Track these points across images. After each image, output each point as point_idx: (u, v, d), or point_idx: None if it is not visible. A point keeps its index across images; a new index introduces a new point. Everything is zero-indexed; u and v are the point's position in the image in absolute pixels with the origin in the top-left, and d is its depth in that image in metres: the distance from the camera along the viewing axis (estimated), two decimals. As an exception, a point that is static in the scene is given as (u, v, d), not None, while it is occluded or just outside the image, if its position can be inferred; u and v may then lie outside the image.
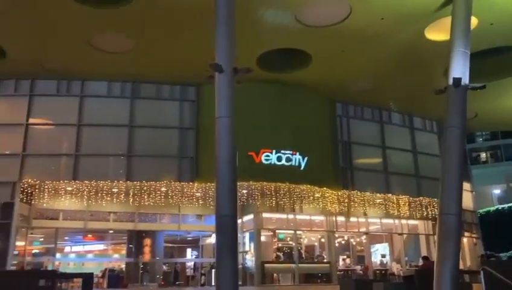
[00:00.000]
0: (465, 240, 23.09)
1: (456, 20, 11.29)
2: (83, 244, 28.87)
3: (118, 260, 25.58)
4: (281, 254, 21.08)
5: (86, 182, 17.03)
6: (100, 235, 25.70)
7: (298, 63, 16.74)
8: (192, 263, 25.74)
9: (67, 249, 29.58)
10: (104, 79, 17.82)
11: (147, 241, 21.36)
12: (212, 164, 17.31)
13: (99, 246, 28.63)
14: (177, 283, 22.19)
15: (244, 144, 14.77)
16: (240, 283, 16.72)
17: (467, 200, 22.63)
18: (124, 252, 25.44)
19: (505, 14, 13.49)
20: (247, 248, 20.52)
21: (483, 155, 48.70)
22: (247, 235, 20.71)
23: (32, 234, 19.24)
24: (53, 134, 17.54)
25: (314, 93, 18.96)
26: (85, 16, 13.36)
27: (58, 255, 23.03)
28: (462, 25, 11.20)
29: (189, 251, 28.81)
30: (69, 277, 14.17)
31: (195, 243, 27.06)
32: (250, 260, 20.06)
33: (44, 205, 18.21)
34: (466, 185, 21.60)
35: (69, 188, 17.75)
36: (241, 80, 10.34)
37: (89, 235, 25.69)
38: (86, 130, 17.48)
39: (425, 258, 14.39)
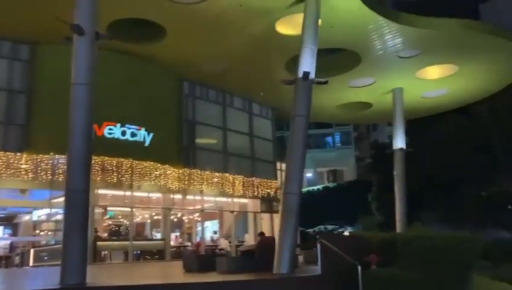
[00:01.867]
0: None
1: (307, 19, 12.38)
2: None
3: None
4: (110, 232, 20.42)
5: None
6: None
7: (152, 36, 16.27)
8: (8, 242, 23.02)
9: None
10: None
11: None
12: (46, 133, 15.93)
13: None
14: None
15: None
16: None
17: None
18: None
19: (343, 20, 15.31)
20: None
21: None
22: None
23: None
24: None
25: (164, 69, 18.72)
26: None
27: None
28: (312, 24, 12.35)
29: (0, 228, 25.61)
30: None
31: (9, 221, 24.23)
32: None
33: None
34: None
35: None
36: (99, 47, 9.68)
37: None
38: None
39: (261, 233, 15.58)
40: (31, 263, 19.65)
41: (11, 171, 16.87)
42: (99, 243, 18.64)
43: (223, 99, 22.49)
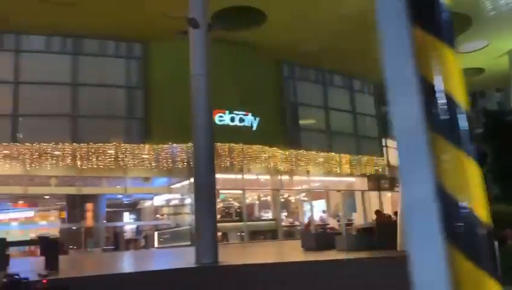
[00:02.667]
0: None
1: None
2: (8, 212, 26.91)
3: (55, 226, 24.26)
4: (224, 214, 21.43)
5: (27, 144, 15.81)
6: (33, 201, 24.12)
7: (252, 22, 16.55)
8: (134, 226, 25.30)
9: (-8, 217, 27.37)
10: (42, 33, 16.36)
11: (89, 205, 20.48)
12: (164, 124, 17.05)
13: (28, 213, 26.90)
14: (117, 247, 21.71)
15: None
16: (189, 243, 16.88)
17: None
18: (52, 218, 24.23)
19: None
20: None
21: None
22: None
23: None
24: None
25: (263, 54, 18.97)
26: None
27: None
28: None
29: (126, 214, 28.15)
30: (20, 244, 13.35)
31: (133, 207, 26.54)
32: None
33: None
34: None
35: (6, 151, 16.39)
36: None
37: (21, 202, 24.00)
38: (24, 89, 16.08)
39: (378, 211, 15.36)
40: (155, 245, 21.38)
41: (136, 162, 18.46)
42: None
43: (323, 78, 22.28)
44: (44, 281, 6.61)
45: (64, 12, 14.98)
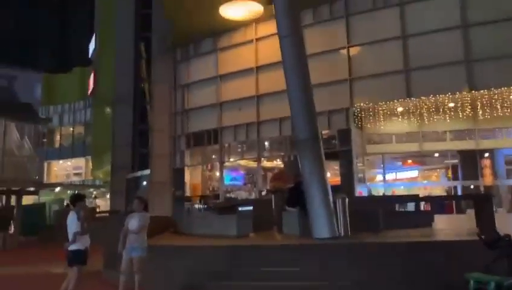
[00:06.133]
0: None
1: None
2: (397, 171, 27.74)
3: (446, 184, 23.21)
4: None
5: (423, 98, 15.20)
6: (421, 160, 23.88)
7: None
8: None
9: (378, 177, 28.89)
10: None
11: (486, 161, 18.38)
12: None
13: (412, 173, 27.01)
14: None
15: None
16: None
17: None
18: (434, 178, 23.12)
19: None
20: None
21: None
22: None
23: (368, 160, 18.90)
24: (377, 52, 16.21)
25: None
26: None
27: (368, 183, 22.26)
28: None
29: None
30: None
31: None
32: None
33: (377, 129, 17.37)
34: None
35: (400, 109, 16.37)
36: None
37: (409, 161, 24.19)
38: (412, 42, 15.50)
39: None
40: None
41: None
42: None
43: None
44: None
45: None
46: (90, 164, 36.75)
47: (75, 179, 39.41)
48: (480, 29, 14.62)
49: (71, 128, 39.84)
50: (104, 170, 33.60)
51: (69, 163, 40.51)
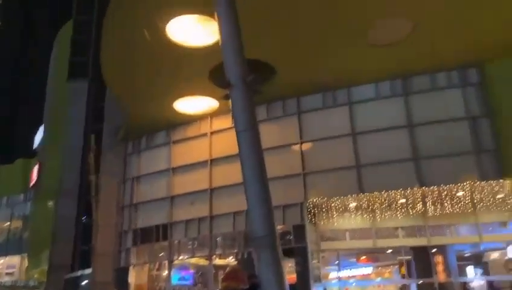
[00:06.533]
0: None
1: None
2: (350, 268, 27.36)
3: (400, 281, 22.99)
4: None
5: (376, 193, 15.40)
6: (375, 257, 23.75)
7: None
8: (483, 282, 21.66)
9: (332, 274, 28.30)
10: (371, 82, 16.33)
11: (438, 258, 18.46)
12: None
13: (366, 270, 26.71)
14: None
15: None
16: None
17: None
18: (387, 275, 22.94)
19: None
20: None
21: None
22: None
23: (323, 257, 18.46)
24: (329, 148, 16.60)
25: None
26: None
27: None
28: None
29: (469, 268, 24.68)
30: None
31: (477, 260, 22.94)
32: None
33: (331, 225, 17.25)
34: None
35: (353, 204, 16.44)
36: None
37: (363, 257, 23.98)
38: (362, 139, 16.06)
39: None
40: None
41: (491, 202, 15.75)
42: None
43: None
44: None
45: (389, 53, 14.50)
46: (26, 262, 33.92)
47: (7, 279, 36.02)
48: (425, 129, 15.45)
49: (8, 223, 37.23)
50: (41, 269, 30.99)
51: (1, 261, 37.26)
